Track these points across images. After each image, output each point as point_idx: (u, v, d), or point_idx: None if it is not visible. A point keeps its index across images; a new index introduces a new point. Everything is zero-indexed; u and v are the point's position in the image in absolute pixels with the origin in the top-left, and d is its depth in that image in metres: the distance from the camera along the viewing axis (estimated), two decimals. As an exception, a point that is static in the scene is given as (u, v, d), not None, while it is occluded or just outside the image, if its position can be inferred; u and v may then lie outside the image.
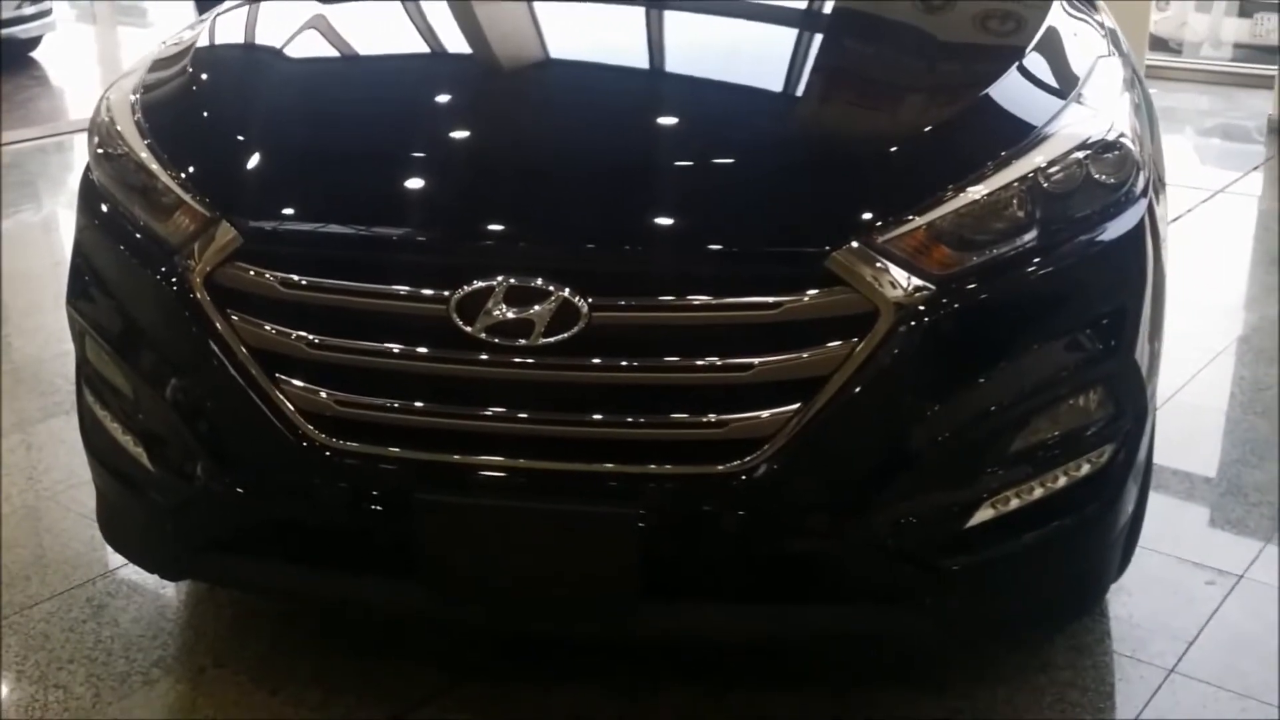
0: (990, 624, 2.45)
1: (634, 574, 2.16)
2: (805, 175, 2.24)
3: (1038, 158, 2.23)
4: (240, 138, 2.40)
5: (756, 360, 2.07)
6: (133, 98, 2.60)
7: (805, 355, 2.07)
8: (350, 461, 2.19)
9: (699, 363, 2.08)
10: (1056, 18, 2.74)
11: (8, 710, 2.57)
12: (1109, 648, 2.72)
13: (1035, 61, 2.55)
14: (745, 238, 2.13)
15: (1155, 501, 2.96)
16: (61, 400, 3.92)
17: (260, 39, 2.88)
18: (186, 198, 2.31)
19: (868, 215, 2.12)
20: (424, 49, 2.90)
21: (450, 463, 2.17)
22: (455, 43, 2.93)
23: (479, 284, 2.09)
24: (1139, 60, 5.19)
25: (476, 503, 2.17)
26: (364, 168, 2.33)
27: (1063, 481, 2.26)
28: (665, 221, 2.19)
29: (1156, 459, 2.80)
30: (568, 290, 2.07)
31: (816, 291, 2.07)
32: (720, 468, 2.10)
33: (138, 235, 2.37)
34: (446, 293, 2.10)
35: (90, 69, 10.08)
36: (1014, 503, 2.23)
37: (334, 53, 2.87)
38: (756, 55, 2.70)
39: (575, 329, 2.07)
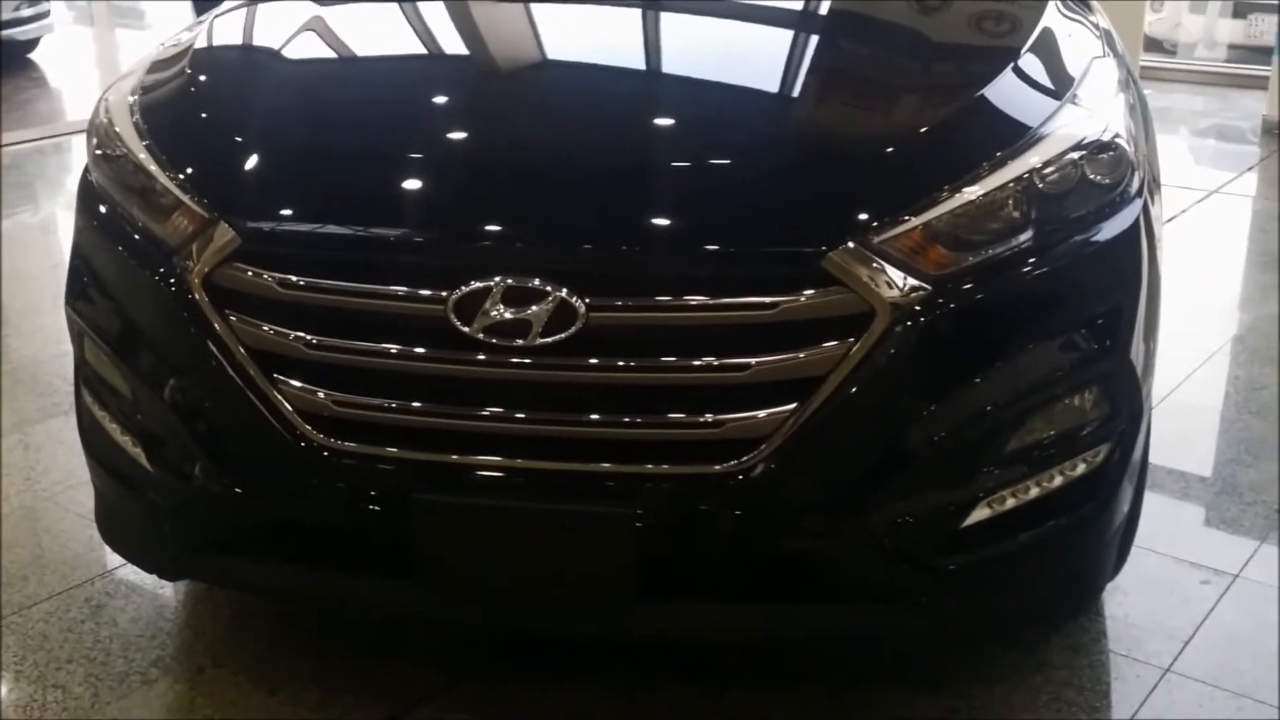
0: (986, 623, 2.46)
1: (631, 574, 2.16)
2: (802, 176, 2.25)
3: (1033, 158, 2.24)
4: (238, 139, 2.40)
5: (753, 360, 2.08)
6: (131, 99, 2.60)
7: (802, 355, 2.08)
8: (348, 462, 2.19)
9: (696, 363, 2.08)
10: (1051, 19, 2.75)
11: (7, 710, 2.58)
12: (1105, 647, 2.73)
13: (1030, 62, 2.55)
14: (742, 238, 2.14)
15: (1151, 501, 2.96)
16: (60, 401, 3.92)
17: (258, 40, 2.88)
18: (185, 199, 2.31)
19: (864, 215, 2.12)
20: (421, 50, 2.90)
21: (448, 463, 2.17)
22: (452, 44, 2.94)
23: (476, 284, 2.09)
24: (1134, 61, 5.19)
25: (474, 503, 2.18)
26: (362, 169, 2.33)
27: (1058, 481, 2.27)
28: (662, 222, 2.19)
29: (1152, 458, 2.81)
30: (565, 290, 2.07)
31: (813, 292, 2.07)
32: (717, 467, 2.11)
33: (136, 236, 2.38)
34: (444, 293, 2.11)
35: (88, 71, 10.07)
36: (1010, 502, 2.24)
37: (332, 54, 2.87)
38: (753, 56, 2.70)
39: (573, 329, 2.08)
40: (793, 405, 2.09)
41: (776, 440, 2.09)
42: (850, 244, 2.09)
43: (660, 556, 2.16)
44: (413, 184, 2.31)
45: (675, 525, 2.15)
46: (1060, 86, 2.51)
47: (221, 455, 2.30)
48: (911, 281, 2.09)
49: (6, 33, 9.17)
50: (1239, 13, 10.36)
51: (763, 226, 2.16)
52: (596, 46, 2.79)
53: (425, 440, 2.18)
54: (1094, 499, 2.32)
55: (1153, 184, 2.53)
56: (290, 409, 2.20)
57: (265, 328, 2.20)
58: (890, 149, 2.28)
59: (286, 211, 2.28)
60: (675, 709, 2.56)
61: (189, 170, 2.36)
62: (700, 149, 2.29)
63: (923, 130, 2.35)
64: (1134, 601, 2.86)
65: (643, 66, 2.74)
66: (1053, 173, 2.23)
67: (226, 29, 2.92)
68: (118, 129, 2.53)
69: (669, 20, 2.88)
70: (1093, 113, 2.40)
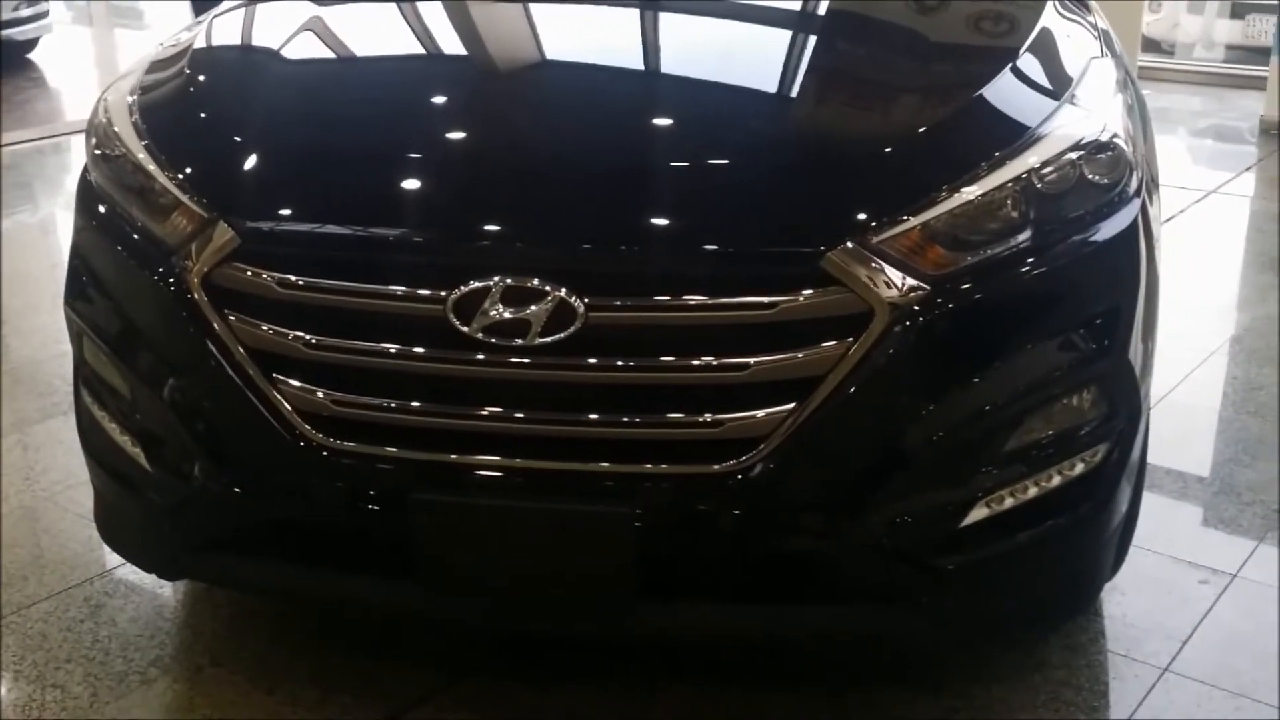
0: (985, 623, 2.46)
1: (630, 573, 2.16)
2: (800, 176, 2.25)
3: (1031, 158, 2.24)
4: (237, 139, 2.41)
5: (752, 360, 2.08)
6: (130, 99, 2.60)
7: (800, 355, 2.08)
8: (347, 461, 2.19)
9: (695, 363, 2.09)
10: (1050, 19, 2.75)
11: (6, 710, 2.58)
12: (1103, 647, 2.73)
13: (1029, 63, 2.56)
14: (741, 238, 2.14)
15: (1149, 501, 2.97)
16: (59, 401, 3.92)
17: (257, 40, 2.88)
18: (184, 198, 2.31)
19: (863, 215, 2.13)
20: (420, 50, 2.91)
21: (447, 462, 2.17)
22: (451, 44, 2.94)
23: (476, 284, 2.10)
24: (1131, 61, 5.20)
25: (473, 502, 2.18)
26: (361, 168, 2.33)
27: (1057, 481, 2.27)
28: (661, 222, 2.20)
29: (1150, 458, 2.81)
30: (564, 290, 2.07)
31: (812, 291, 2.07)
32: (716, 467, 2.11)
33: (135, 236, 2.38)
34: (443, 293, 2.11)
35: (87, 71, 10.06)
36: (1008, 502, 2.24)
37: (330, 54, 2.87)
38: (751, 56, 2.71)
39: (572, 329, 2.08)
40: (791, 405, 2.09)
41: (775, 440, 2.10)
42: (849, 244, 2.09)
43: (659, 556, 2.16)
44: (412, 184, 2.31)
45: (674, 525, 2.15)
46: (1058, 87, 2.51)
47: (221, 455, 2.31)
48: (910, 281, 2.10)
49: (5, 33, 9.17)
50: (1237, 13, 10.37)
51: (762, 226, 2.16)
52: (595, 46, 2.79)
53: (424, 440, 2.18)
54: (1092, 499, 2.32)
55: (1151, 184, 2.53)
56: (289, 409, 2.20)
57: (264, 327, 2.20)
58: (889, 149, 2.28)
59: (286, 211, 2.29)
60: (675, 709, 2.56)
61: (188, 170, 2.36)
62: (699, 149, 2.29)
63: (921, 130, 2.35)
64: (1132, 601, 2.87)
65: (642, 66, 2.74)
66: (1051, 173, 2.23)
67: (225, 29, 2.93)
68: (117, 129, 2.53)
69: (668, 20, 2.89)
70: (1091, 113, 2.40)
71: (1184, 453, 3.56)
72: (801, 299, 2.07)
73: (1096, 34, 2.83)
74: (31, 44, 9.68)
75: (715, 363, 2.08)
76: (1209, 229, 5.77)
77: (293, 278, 2.18)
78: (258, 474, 2.30)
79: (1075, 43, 2.73)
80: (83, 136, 2.72)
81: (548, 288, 2.08)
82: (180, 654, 2.74)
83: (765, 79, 2.63)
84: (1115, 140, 2.35)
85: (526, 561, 2.20)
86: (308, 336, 2.18)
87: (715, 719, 2.54)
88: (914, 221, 2.14)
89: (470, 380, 2.14)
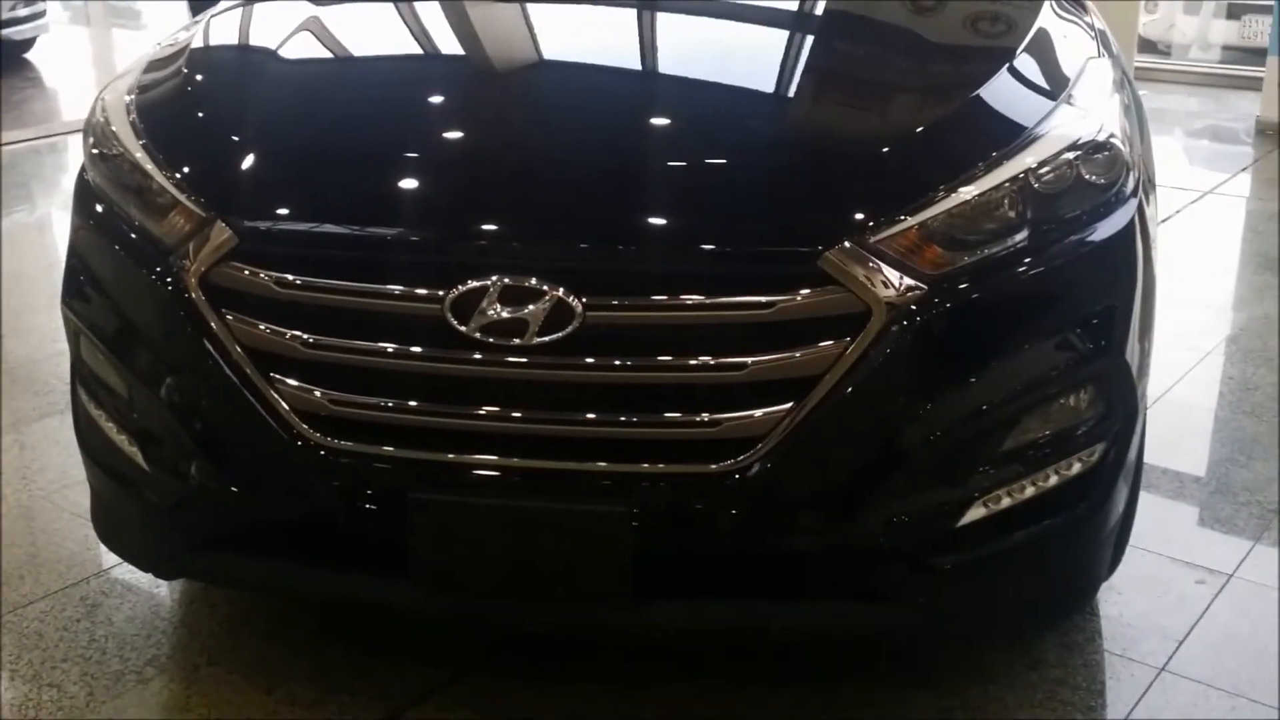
0: (982, 622, 2.47)
1: (628, 573, 2.16)
2: (798, 175, 2.25)
3: (1028, 158, 2.24)
4: (235, 138, 2.41)
5: (750, 360, 2.08)
6: (128, 98, 2.60)
7: (798, 355, 2.08)
8: (345, 460, 2.19)
9: (692, 362, 2.09)
10: (1046, 19, 2.76)
11: (3, 709, 2.57)
12: (1100, 646, 2.73)
13: (1026, 63, 2.56)
14: (739, 237, 2.14)
15: (1145, 501, 2.97)
16: (56, 400, 3.92)
17: (254, 40, 2.88)
18: (181, 198, 2.31)
19: (860, 215, 2.13)
20: (417, 50, 2.91)
21: (445, 461, 2.17)
22: (449, 44, 2.94)
23: (473, 284, 2.10)
24: (1128, 62, 5.20)
25: (471, 501, 2.18)
26: (358, 168, 2.34)
27: (1054, 480, 2.27)
28: (659, 221, 2.20)
29: (1147, 458, 2.81)
30: (562, 290, 2.07)
31: (809, 291, 2.08)
32: (714, 467, 2.11)
33: (133, 235, 2.38)
34: (441, 292, 2.11)
35: (84, 70, 10.06)
36: (1005, 501, 2.24)
37: (328, 54, 2.87)
38: (749, 56, 2.71)
39: (569, 328, 2.08)
40: (789, 404, 2.09)
41: (773, 439, 2.10)
42: (847, 243, 2.09)
43: (657, 555, 2.16)
44: (409, 183, 2.31)
45: (672, 524, 2.16)
46: (1055, 87, 2.51)
47: (218, 454, 2.30)
48: (907, 281, 2.10)
49: (3, 32, 9.17)
50: (1233, 14, 10.37)
51: (759, 226, 2.16)
52: (593, 46, 2.79)
53: (422, 439, 2.18)
54: (1089, 498, 2.33)
55: (1148, 184, 2.53)
56: (287, 408, 2.20)
57: (262, 327, 2.20)
58: (886, 149, 2.29)
59: (283, 211, 2.29)
60: (671, 706, 2.56)
61: (185, 169, 2.36)
62: (697, 148, 2.29)
63: (919, 130, 2.35)
64: (1129, 601, 2.87)
65: (639, 66, 2.74)
66: (1048, 173, 2.24)
67: (223, 29, 2.93)
68: (114, 128, 2.53)
69: (665, 20, 2.89)
70: (1088, 113, 2.41)
71: (1181, 453, 3.57)
72: (799, 298, 2.07)
73: (1093, 34, 2.84)
74: (29, 44, 9.68)
75: (713, 362, 2.08)
76: (1205, 229, 5.78)
77: (290, 277, 2.18)
78: (255, 473, 2.29)
79: (1072, 43, 2.73)
80: (80, 136, 2.72)
81: (545, 287, 2.08)
82: (177, 653, 2.74)
83: (763, 79, 2.63)
84: (1112, 140, 2.35)
85: (524, 560, 2.20)
86: (305, 336, 2.18)
87: (713, 718, 2.54)
88: (911, 221, 2.14)
89: (468, 380, 2.14)
